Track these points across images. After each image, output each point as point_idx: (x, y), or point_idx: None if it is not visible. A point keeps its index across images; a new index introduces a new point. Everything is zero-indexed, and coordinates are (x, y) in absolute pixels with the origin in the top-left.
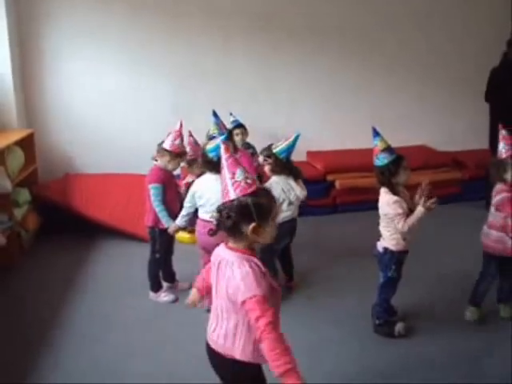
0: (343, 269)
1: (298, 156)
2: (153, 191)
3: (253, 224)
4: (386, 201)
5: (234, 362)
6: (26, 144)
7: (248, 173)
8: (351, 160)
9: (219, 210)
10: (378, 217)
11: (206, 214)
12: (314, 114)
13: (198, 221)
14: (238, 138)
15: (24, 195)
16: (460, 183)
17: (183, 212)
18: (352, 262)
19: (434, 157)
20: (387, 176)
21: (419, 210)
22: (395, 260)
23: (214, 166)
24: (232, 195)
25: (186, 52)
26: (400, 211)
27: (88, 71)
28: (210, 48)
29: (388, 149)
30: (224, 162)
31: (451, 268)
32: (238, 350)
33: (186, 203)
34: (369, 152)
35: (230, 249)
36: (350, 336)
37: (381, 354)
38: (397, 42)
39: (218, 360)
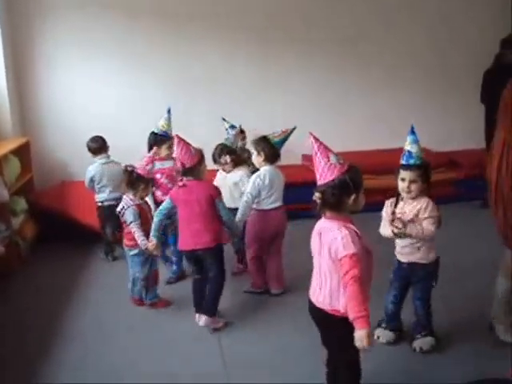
0: None
1: (293, 159)
2: (223, 204)
3: (353, 196)
4: None
5: (338, 317)
6: (22, 152)
7: (338, 155)
8: (352, 162)
9: (322, 191)
10: (379, 219)
11: (273, 203)
12: (313, 117)
13: (259, 213)
14: (240, 144)
15: (21, 204)
16: (455, 183)
17: (246, 211)
18: None
19: (430, 158)
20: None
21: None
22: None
23: (277, 158)
24: (331, 176)
25: (184, 59)
26: (383, 214)
27: (84, 79)
28: (208, 54)
29: (403, 152)
30: (317, 150)
31: (448, 268)
32: (342, 305)
33: (250, 200)
34: (369, 154)
35: (330, 219)
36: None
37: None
38: (394, 46)
39: (323, 316)
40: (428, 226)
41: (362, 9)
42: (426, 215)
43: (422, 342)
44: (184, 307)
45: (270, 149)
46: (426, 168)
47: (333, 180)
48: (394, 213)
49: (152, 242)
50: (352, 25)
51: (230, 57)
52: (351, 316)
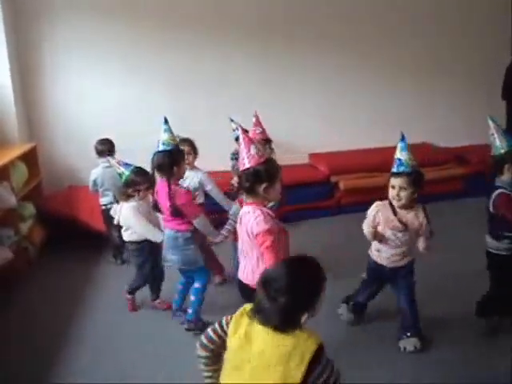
0: (348, 270)
1: (300, 159)
2: None
3: (264, 185)
4: None
5: None
6: (29, 158)
7: (259, 148)
8: (355, 161)
9: (240, 176)
10: None
11: None
12: (316, 116)
13: None
14: None
15: (29, 209)
16: (463, 179)
17: None
18: (357, 263)
19: (436, 154)
20: None
21: (368, 231)
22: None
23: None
24: (249, 164)
25: (187, 62)
26: (369, 216)
27: (89, 82)
28: (210, 57)
29: (394, 160)
30: (242, 141)
31: (456, 266)
32: None
33: None
34: (372, 152)
35: (248, 204)
36: (352, 337)
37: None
38: (396, 41)
39: (249, 292)
40: (426, 242)
41: (364, 12)
42: (423, 232)
43: (406, 343)
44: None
45: None
46: (417, 176)
47: (249, 168)
48: (398, 219)
49: None
50: (353, 27)
51: (229, 61)
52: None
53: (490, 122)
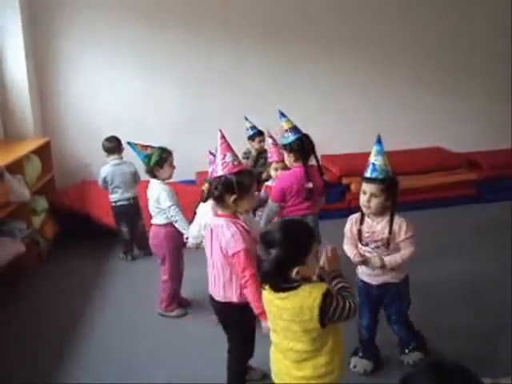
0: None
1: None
2: None
3: (234, 196)
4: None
5: (234, 306)
6: (43, 152)
7: (236, 156)
8: (367, 163)
9: (210, 183)
10: None
11: None
12: (329, 117)
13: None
14: (258, 146)
15: (41, 203)
16: (475, 185)
17: None
18: None
19: (448, 158)
20: None
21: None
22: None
23: None
24: (221, 172)
25: (200, 60)
26: (347, 233)
27: (103, 79)
28: (222, 56)
29: (368, 164)
30: (219, 146)
31: (469, 273)
32: (235, 295)
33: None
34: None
35: (220, 216)
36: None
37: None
38: (409, 46)
39: (221, 308)
40: (408, 248)
41: (375, 16)
42: (402, 237)
43: (408, 357)
44: (201, 308)
45: None
46: (390, 183)
47: (220, 176)
48: (360, 231)
49: None
50: (367, 31)
51: (242, 61)
52: (256, 311)
53: None
